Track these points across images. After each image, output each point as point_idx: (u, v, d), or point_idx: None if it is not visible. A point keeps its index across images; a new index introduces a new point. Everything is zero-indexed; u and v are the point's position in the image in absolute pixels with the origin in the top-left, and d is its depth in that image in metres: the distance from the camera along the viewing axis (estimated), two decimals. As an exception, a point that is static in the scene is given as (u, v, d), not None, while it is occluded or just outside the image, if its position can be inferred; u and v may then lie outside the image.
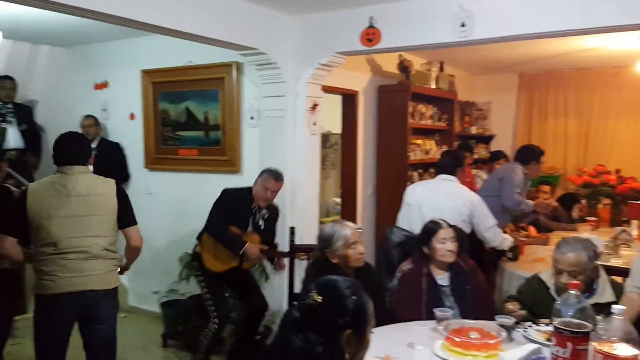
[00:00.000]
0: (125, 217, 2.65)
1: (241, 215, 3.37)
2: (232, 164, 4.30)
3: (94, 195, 2.56)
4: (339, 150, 6.49)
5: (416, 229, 3.27)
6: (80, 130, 4.63)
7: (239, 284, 3.57)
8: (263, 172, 3.46)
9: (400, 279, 2.80)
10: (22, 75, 5.13)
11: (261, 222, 3.46)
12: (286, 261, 3.46)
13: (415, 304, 2.64)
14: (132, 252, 2.75)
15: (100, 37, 4.78)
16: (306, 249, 3.18)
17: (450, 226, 2.78)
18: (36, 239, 2.53)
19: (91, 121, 4.80)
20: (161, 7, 2.98)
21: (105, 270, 2.60)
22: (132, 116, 4.90)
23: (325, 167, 5.95)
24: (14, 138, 4.64)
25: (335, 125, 5.33)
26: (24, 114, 4.84)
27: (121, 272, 2.79)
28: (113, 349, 2.73)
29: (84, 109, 5.01)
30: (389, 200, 4.89)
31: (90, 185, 2.57)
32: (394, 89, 5.03)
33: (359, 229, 2.65)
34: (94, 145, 4.70)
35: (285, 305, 3.51)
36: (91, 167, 2.72)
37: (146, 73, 4.71)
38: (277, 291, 3.96)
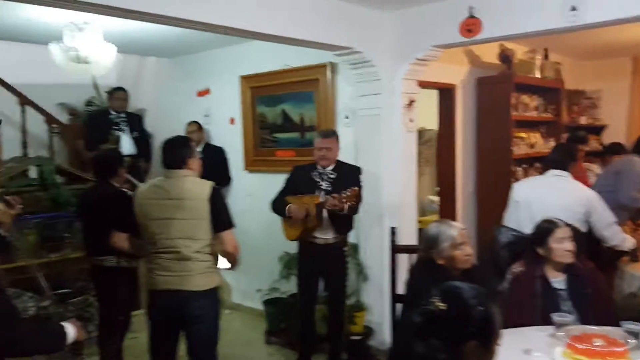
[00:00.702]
0: (218, 221, 2.62)
1: (304, 184, 3.45)
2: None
3: (187, 199, 2.60)
4: (434, 147, 6.33)
5: (525, 228, 3.10)
6: None
7: (329, 276, 3.56)
8: None
9: (511, 282, 2.66)
10: (132, 86, 5.52)
11: (324, 184, 3.43)
12: (387, 259, 3.39)
13: (528, 308, 2.49)
14: (227, 257, 2.71)
15: (201, 46, 5.02)
16: (408, 250, 3.10)
17: (567, 225, 2.59)
18: (144, 237, 2.72)
19: (195, 127, 5.04)
20: (258, 13, 3.06)
21: (197, 272, 2.62)
22: (232, 120, 5.09)
23: (420, 164, 5.80)
24: (127, 145, 4.98)
25: (429, 121, 5.19)
26: (135, 122, 5.19)
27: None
28: (208, 348, 2.73)
29: (188, 116, 5.28)
30: (491, 198, 4.67)
31: (185, 189, 2.61)
32: (495, 81, 4.80)
33: (465, 228, 2.54)
34: (199, 149, 4.93)
35: (387, 306, 3.45)
36: (193, 171, 2.73)
37: (244, 78, 4.87)
38: (375, 290, 3.92)
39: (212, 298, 2.70)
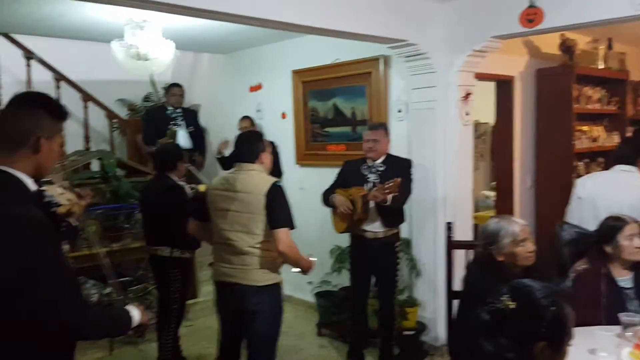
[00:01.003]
0: (272, 218, 2.56)
1: (354, 177, 3.46)
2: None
3: (245, 193, 2.60)
4: (488, 141, 6.17)
5: (588, 225, 2.97)
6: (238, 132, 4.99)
7: (379, 271, 3.55)
8: None
9: (574, 280, 2.55)
10: (187, 82, 5.67)
11: (372, 177, 3.42)
12: (442, 255, 3.34)
13: (593, 307, 2.40)
14: (281, 257, 2.61)
15: (254, 42, 5.08)
16: (465, 246, 3.04)
17: (635, 221, 2.47)
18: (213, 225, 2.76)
19: (247, 122, 5.11)
20: (311, 8, 3.06)
21: (253, 267, 2.60)
22: (283, 115, 5.13)
23: (474, 158, 5.68)
24: (183, 139, 5.11)
25: (483, 114, 5.05)
26: (191, 117, 5.32)
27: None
28: (264, 344, 2.71)
29: (241, 111, 5.36)
30: (550, 194, 4.52)
31: (246, 183, 2.61)
32: (555, 72, 4.62)
33: (527, 224, 2.46)
34: None
35: (441, 302, 3.40)
36: (263, 166, 2.72)
37: (296, 73, 4.89)
38: (428, 286, 3.87)
39: (271, 294, 2.66)
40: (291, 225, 2.60)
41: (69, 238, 1.92)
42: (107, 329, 1.61)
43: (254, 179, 2.63)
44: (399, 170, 3.39)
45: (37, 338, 1.44)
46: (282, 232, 2.54)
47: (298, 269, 2.70)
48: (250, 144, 2.73)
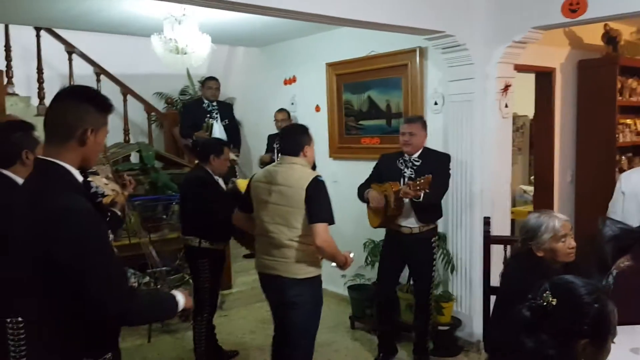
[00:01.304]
0: (311, 213, 2.56)
1: (389, 171, 3.43)
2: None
3: (286, 186, 2.61)
4: (527, 134, 6.05)
5: (632, 221, 2.90)
6: (274, 125, 5.02)
7: (415, 266, 3.54)
8: None
9: (616, 277, 2.50)
10: (222, 75, 5.74)
11: (408, 172, 3.39)
12: (478, 250, 3.29)
13: (636, 304, 2.32)
14: (318, 251, 2.61)
15: (288, 35, 5.09)
16: (503, 241, 2.99)
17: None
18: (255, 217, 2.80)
19: (284, 115, 5.09)
20: (348, 0, 3.04)
21: (292, 260, 2.63)
22: (317, 108, 5.14)
23: (512, 152, 5.58)
24: (218, 132, 5.18)
25: (521, 106, 4.94)
26: (226, 111, 5.39)
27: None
28: (301, 336, 2.72)
29: (275, 104, 5.38)
30: (591, 189, 4.40)
31: (288, 177, 2.63)
32: (598, 64, 4.49)
33: (568, 220, 2.40)
34: None
35: (477, 297, 3.35)
36: (307, 159, 2.74)
37: (330, 66, 4.88)
38: (464, 281, 3.83)
39: (311, 286, 2.68)
40: (330, 221, 2.60)
41: (114, 227, 1.97)
42: (153, 314, 1.65)
43: (296, 172, 2.64)
44: (436, 164, 3.36)
45: (84, 323, 1.50)
46: (320, 227, 2.54)
47: (335, 264, 2.71)
48: (295, 137, 2.73)
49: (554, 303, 1.29)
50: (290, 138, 2.75)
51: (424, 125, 3.46)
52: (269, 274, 2.73)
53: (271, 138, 5.10)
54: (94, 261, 1.41)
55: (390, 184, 3.32)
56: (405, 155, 3.44)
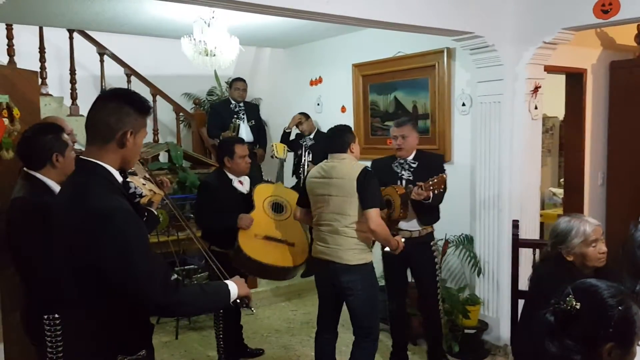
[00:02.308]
0: (363, 200, 2.82)
1: (385, 175, 3.38)
2: (441, 153, 4.22)
3: (340, 178, 2.88)
4: (556, 135, 5.95)
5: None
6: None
7: (417, 271, 3.53)
8: None
9: (650, 283, 2.42)
10: (248, 76, 5.79)
11: (406, 174, 3.38)
12: (506, 253, 3.26)
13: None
14: (373, 235, 2.87)
15: (314, 36, 5.11)
16: (532, 244, 2.96)
17: None
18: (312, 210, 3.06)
19: (301, 117, 5.09)
20: (375, 1, 3.04)
21: (346, 247, 2.87)
22: (343, 109, 5.15)
23: (541, 154, 5.50)
24: (245, 133, 5.24)
25: (551, 108, 4.86)
26: (252, 111, 5.44)
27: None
28: (364, 316, 2.93)
29: (300, 105, 5.41)
30: (622, 192, 4.31)
31: (339, 170, 2.90)
32: (631, 64, 4.38)
33: (599, 224, 2.36)
34: (310, 137, 5.07)
35: (505, 301, 3.32)
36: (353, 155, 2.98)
37: (357, 67, 4.89)
38: (491, 285, 3.79)
39: (362, 273, 2.89)
40: (381, 206, 2.89)
41: (150, 227, 2.01)
42: (202, 303, 1.64)
43: (347, 166, 2.91)
44: (432, 165, 3.36)
45: (120, 320, 1.54)
46: (372, 212, 2.79)
47: (387, 248, 3.00)
48: (341, 136, 3.00)
49: (577, 307, 1.27)
50: (337, 137, 3.00)
51: (414, 126, 3.44)
52: (323, 259, 2.95)
53: (297, 136, 5.20)
54: (137, 257, 1.45)
55: (394, 187, 3.27)
56: (399, 158, 3.42)
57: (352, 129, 3.14)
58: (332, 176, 2.91)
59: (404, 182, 3.37)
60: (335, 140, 3.00)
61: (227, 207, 3.32)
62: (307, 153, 4.67)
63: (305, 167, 4.94)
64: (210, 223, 3.37)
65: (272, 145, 4.13)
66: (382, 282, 3.40)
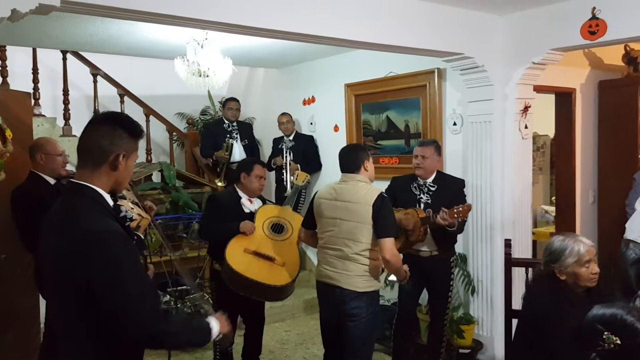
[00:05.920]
0: (379, 228, 2.70)
1: (403, 195, 3.38)
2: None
3: (353, 203, 2.74)
4: (547, 153, 6.00)
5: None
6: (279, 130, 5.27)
7: (434, 287, 3.51)
8: None
9: (643, 302, 2.44)
10: (242, 96, 5.82)
11: (424, 197, 3.36)
12: (500, 272, 3.26)
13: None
14: (385, 265, 2.77)
15: (307, 56, 5.17)
16: (524, 263, 2.96)
17: None
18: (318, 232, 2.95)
19: (287, 117, 5.34)
20: (367, 24, 3.10)
21: (355, 274, 2.75)
22: (336, 128, 5.18)
23: (532, 172, 5.54)
24: (238, 152, 5.25)
25: (541, 126, 4.91)
26: (246, 131, 5.46)
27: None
28: (361, 344, 2.82)
29: (294, 124, 5.44)
30: (613, 210, 4.35)
31: (353, 193, 2.76)
32: (619, 84, 4.47)
33: (593, 245, 2.37)
34: (290, 138, 5.31)
35: (499, 320, 3.31)
36: (367, 174, 2.86)
37: (349, 86, 4.94)
38: (485, 304, 3.79)
39: (369, 300, 2.80)
40: (396, 235, 2.78)
41: (139, 250, 2.00)
42: (186, 339, 1.64)
43: (362, 189, 2.77)
44: (452, 190, 3.35)
45: (110, 343, 1.52)
46: (388, 242, 2.69)
47: (394, 277, 2.88)
48: (354, 155, 2.87)
49: (618, 342, 1.36)
50: (350, 156, 2.88)
51: (437, 149, 3.43)
52: (329, 283, 2.84)
53: (276, 141, 5.43)
54: (128, 283, 1.44)
55: (416, 210, 3.26)
56: (419, 179, 3.42)
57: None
58: (345, 199, 2.78)
59: (422, 205, 3.35)
60: (349, 159, 2.87)
61: (229, 222, 3.31)
62: (288, 153, 5.09)
63: (288, 166, 5.21)
64: (213, 232, 3.34)
65: (296, 173, 4.01)
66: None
